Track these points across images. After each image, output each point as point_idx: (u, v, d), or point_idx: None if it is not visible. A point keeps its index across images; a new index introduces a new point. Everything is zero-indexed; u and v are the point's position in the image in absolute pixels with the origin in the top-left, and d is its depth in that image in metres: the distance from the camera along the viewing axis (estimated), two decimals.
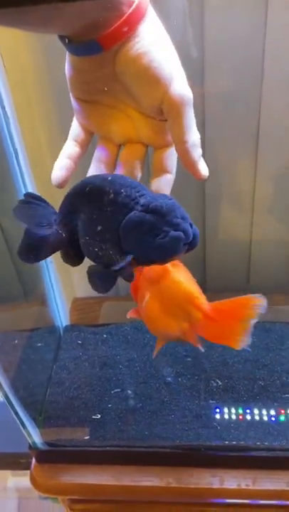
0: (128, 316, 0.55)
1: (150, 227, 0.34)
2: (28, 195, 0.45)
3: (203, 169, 0.43)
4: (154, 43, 0.40)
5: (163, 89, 0.41)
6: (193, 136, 0.42)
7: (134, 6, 0.38)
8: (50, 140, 0.76)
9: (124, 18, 0.38)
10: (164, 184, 0.46)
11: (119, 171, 0.46)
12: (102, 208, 0.37)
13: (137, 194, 0.37)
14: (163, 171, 0.46)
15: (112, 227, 0.37)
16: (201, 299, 0.48)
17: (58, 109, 0.73)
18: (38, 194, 0.46)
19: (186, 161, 0.43)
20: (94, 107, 0.46)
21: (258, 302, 0.45)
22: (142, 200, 0.36)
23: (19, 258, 0.42)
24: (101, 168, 0.47)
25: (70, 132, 0.48)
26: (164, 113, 0.42)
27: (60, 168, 0.45)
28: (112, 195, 0.37)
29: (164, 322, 0.48)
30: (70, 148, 0.47)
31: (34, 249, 0.41)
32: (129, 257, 0.37)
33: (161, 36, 0.41)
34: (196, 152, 0.42)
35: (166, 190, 0.46)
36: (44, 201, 0.45)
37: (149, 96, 0.42)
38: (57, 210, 0.44)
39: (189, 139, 0.42)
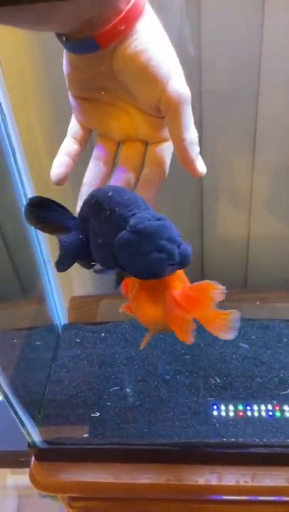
0: (121, 310, 0.54)
1: (136, 248, 0.35)
2: (41, 199, 0.45)
3: (201, 167, 0.43)
4: (152, 41, 0.40)
5: (161, 87, 0.40)
6: (191, 134, 0.42)
7: (131, 3, 0.37)
8: (47, 138, 0.76)
9: (121, 15, 0.37)
10: (153, 177, 0.46)
11: (121, 171, 0.47)
12: (101, 223, 0.39)
13: (129, 213, 0.37)
14: (156, 164, 0.46)
15: (108, 243, 0.38)
16: (174, 281, 0.44)
17: (55, 106, 0.73)
18: (50, 198, 0.46)
19: (183, 159, 0.43)
20: (92, 105, 0.46)
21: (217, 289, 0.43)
22: (132, 221, 0.37)
23: (58, 270, 0.42)
24: (100, 166, 0.47)
25: (68, 129, 0.48)
26: (162, 111, 0.42)
27: (60, 165, 0.46)
28: (108, 212, 0.38)
29: (149, 310, 0.47)
30: (69, 145, 0.47)
31: (68, 258, 0.42)
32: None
33: (159, 34, 0.41)
34: (194, 150, 0.42)
35: (156, 183, 0.46)
36: (59, 205, 0.45)
37: (147, 94, 0.42)
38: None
39: (187, 137, 0.42)
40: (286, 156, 0.78)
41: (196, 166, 0.43)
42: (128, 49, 0.39)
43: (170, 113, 0.41)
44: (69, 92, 0.46)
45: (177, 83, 0.41)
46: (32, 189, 0.72)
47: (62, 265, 0.42)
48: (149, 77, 0.40)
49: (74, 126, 0.48)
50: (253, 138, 0.76)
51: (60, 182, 0.45)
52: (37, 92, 0.73)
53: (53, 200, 0.45)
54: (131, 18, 0.38)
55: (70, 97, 0.46)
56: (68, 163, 0.46)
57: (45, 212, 0.44)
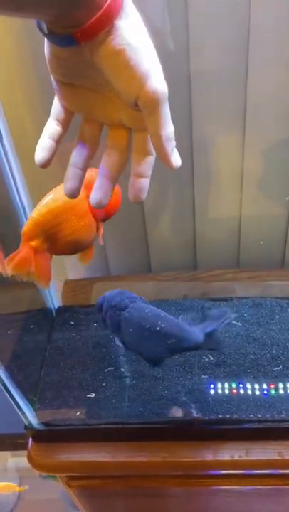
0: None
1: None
2: None
3: (175, 160, 0.45)
4: (132, 40, 0.39)
5: (138, 86, 0.41)
6: (168, 130, 0.43)
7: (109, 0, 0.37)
8: (34, 121, 0.76)
9: (100, 12, 0.37)
10: (145, 167, 0.47)
11: (107, 156, 0.47)
12: None
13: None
14: (144, 152, 0.47)
15: None
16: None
17: (43, 86, 0.72)
18: None
19: (160, 153, 0.44)
20: (74, 90, 0.45)
21: None
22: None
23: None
24: (85, 147, 0.47)
25: (51, 111, 0.47)
26: (140, 108, 0.42)
27: (43, 148, 0.46)
28: None
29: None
30: (52, 128, 0.47)
31: None
32: None
33: (139, 31, 0.40)
34: (170, 145, 0.44)
35: (148, 171, 0.47)
36: None
37: (125, 91, 0.42)
38: None
39: (164, 134, 0.43)
40: (275, 135, 0.78)
41: (171, 160, 0.44)
42: (108, 46, 0.39)
43: (147, 111, 0.42)
44: (51, 76, 0.46)
45: (155, 82, 0.41)
46: (20, 172, 0.72)
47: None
48: (127, 76, 0.40)
49: (57, 108, 0.47)
50: (243, 117, 0.75)
51: (44, 166, 0.46)
52: (24, 71, 0.72)
53: None
54: (110, 15, 0.37)
55: (53, 81, 0.46)
56: (52, 146, 0.46)
57: None
